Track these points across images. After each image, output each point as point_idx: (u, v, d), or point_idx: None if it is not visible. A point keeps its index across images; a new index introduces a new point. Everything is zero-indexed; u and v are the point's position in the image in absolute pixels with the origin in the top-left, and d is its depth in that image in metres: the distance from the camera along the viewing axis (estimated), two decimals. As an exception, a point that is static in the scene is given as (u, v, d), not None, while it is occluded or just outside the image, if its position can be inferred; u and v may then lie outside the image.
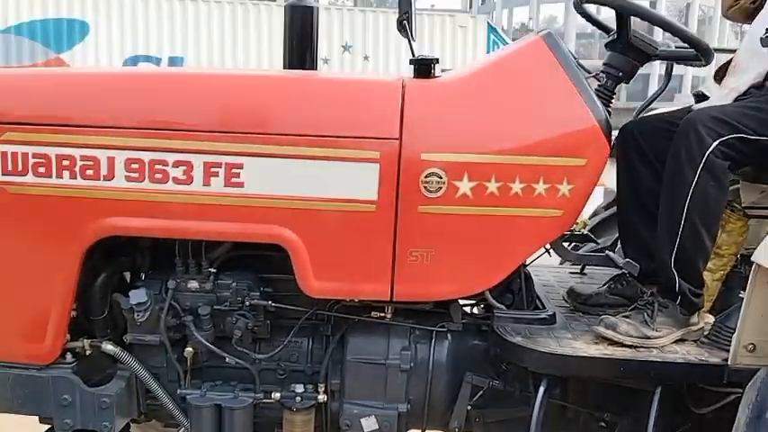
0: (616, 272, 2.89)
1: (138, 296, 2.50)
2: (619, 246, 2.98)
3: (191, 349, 2.60)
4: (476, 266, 2.44)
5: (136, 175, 2.37)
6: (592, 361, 2.37)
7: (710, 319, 2.61)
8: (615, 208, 3.15)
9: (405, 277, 2.41)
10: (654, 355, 2.40)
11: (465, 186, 2.36)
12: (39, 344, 2.53)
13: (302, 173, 2.37)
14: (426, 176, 2.35)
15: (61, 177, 2.38)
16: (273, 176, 2.37)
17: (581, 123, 2.42)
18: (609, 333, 2.44)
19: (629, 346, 2.43)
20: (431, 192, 2.36)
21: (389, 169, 2.35)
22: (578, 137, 2.42)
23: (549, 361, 2.40)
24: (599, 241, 3.25)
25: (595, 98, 2.46)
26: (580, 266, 3.29)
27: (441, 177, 2.35)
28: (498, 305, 2.60)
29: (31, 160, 2.38)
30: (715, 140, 2.34)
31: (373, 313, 2.63)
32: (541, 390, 2.47)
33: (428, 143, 2.37)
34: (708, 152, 2.33)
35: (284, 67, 3.04)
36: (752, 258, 2.23)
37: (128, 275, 2.84)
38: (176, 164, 2.37)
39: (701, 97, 2.93)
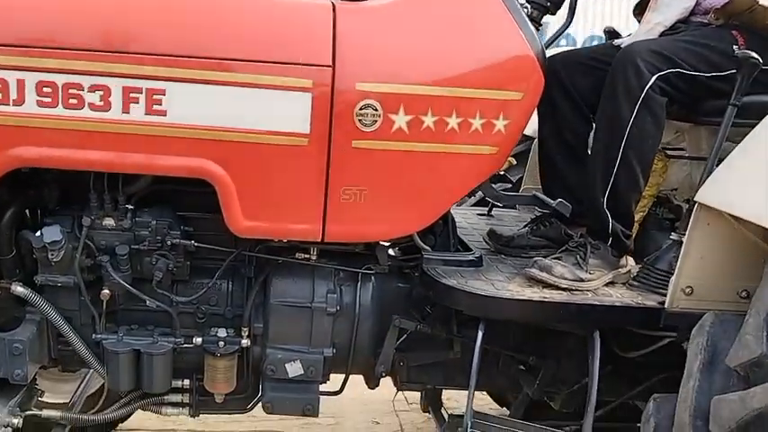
0: (520, 212, 2.84)
1: (51, 234, 2.27)
2: None
3: (107, 291, 2.39)
4: (410, 206, 2.33)
5: (48, 99, 2.13)
6: (529, 304, 2.31)
7: (632, 261, 2.59)
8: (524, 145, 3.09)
9: (337, 217, 2.28)
10: (591, 299, 2.36)
11: (401, 120, 2.23)
12: None
13: (230, 102, 2.19)
14: (361, 109, 2.21)
15: None
16: (198, 105, 2.18)
17: (518, 54, 2.31)
18: (543, 275, 2.38)
19: (564, 289, 2.37)
20: (366, 125, 2.22)
21: (322, 100, 2.20)
22: (515, 69, 2.33)
23: (485, 304, 2.32)
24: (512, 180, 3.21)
25: (532, 28, 2.35)
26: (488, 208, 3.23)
27: (376, 110, 2.21)
28: (425, 246, 2.50)
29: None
30: (654, 75, 2.30)
31: (298, 255, 2.49)
32: (480, 334, 2.38)
33: (363, 72, 2.23)
34: (647, 87, 2.29)
35: None
36: (695, 198, 2.19)
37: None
38: (93, 88, 2.14)
39: (612, 34, 2.87)
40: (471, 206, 3.20)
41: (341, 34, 2.22)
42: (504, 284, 2.39)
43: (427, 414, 3.12)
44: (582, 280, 2.39)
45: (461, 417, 2.45)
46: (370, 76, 2.22)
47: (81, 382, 3.13)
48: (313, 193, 2.26)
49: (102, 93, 2.14)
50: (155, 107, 2.16)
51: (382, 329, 2.56)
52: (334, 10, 2.25)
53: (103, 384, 2.74)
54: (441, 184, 2.32)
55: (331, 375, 2.66)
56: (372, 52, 2.26)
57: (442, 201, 2.36)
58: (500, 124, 2.28)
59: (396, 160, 2.27)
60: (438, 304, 2.50)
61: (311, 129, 2.21)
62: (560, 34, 3.02)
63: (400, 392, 2.98)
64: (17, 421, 2.41)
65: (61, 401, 3.29)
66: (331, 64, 2.19)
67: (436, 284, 2.39)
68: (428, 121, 2.25)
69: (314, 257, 2.48)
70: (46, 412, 2.61)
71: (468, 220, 3.09)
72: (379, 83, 2.22)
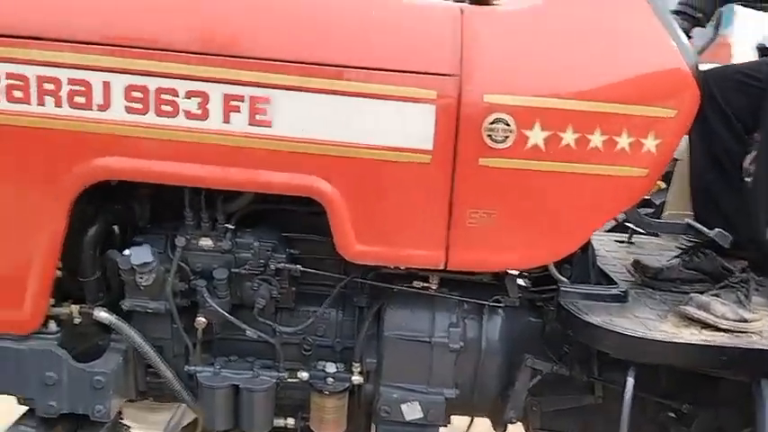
0: (664, 240, 2.51)
1: (140, 255, 2.03)
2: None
3: (203, 319, 2.14)
4: (546, 232, 2.00)
5: (138, 105, 1.88)
6: (688, 348, 1.98)
7: None
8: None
9: (462, 242, 1.98)
10: (757, 342, 2.01)
11: (537, 136, 1.91)
12: (16, 310, 2.04)
13: (343, 113, 1.90)
14: (491, 123, 1.90)
15: (43, 105, 1.87)
16: (308, 115, 1.90)
17: (671, 67, 1.97)
18: (701, 314, 2.04)
19: (726, 330, 2.03)
20: (496, 141, 1.91)
21: (447, 113, 1.90)
22: (668, 83, 1.98)
23: (636, 346, 2.00)
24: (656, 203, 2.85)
25: (685, 39, 2.02)
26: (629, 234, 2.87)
27: (508, 125, 1.90)
28: (562, 278, 2.17)
29: (5, 81, 1.86)
30: None
31: (416, 283, 2.19)
32: (630, 380, 2.05)
33: (493, 83, 1.91)
34: None
35: None
36: None
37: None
38: (189, 94, 1.87)
39: (765, 50, 2.60)
40: (607, 231, 2.85)
41: (469, 41, 1.92)
42: (656, 324, 2.06)
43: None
44: (746, 320, 2.05)
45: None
46: (502, 87, 1.91)
47: (173, 414, 2.92)
48: (435, 215, 1.96)
49: (199, 100, 1.88)
50: (258, 117, 1.89)
51: (511, 369, 2.25)
52: (462, 14, 1.95)
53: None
54: (582, 208, 1.99)
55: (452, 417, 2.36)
56: (504, 61, 1.94)
57: (584, 227, 2.03)
58: (650, 143, 1.95)
59: (530, 180, 1.94)
60: (577, 343, 2.18)
61: (434, 144, 1.91)
62: (706, 47, 2.72)
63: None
64: None
65: None
66: (458, 73, 1.90)
67: (577, 321, 2.06)
68: (568, 138, 1.92)
69: (434, 286, 2.18)
70: (132, 454, 2.39)
71: (607, 248, 2.74)
72: (512, 95, 1.91)
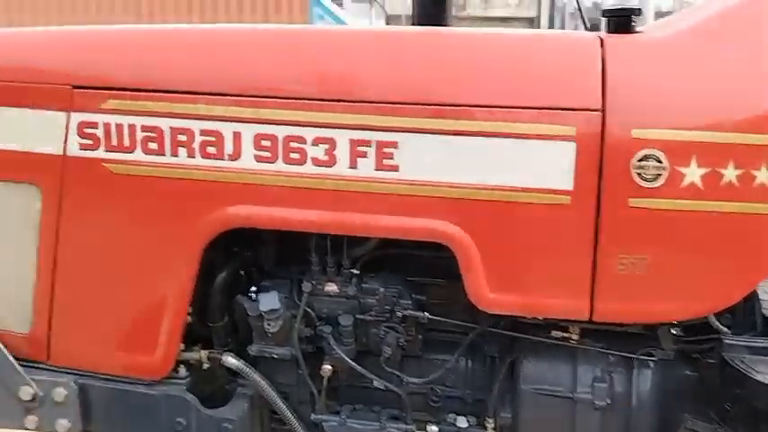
0: None
1: (269, 302, 1.99)
2: None
3: (329, 367, 2.07)
4: (708, 280, 1.78)
5: (267, 154, 1.85)
6: None
7: None
8: None
9: (609, 291, 1.80)
10: None
11: (693, 174, 1.71)
12: (149, 355, 2.06)
13: (473, 154, 1.79)
14: (640, 160, 1.72)
15: (177, 155, 1.89)
16: (436, 158, 1.80)
17: None
18: None
19: None
20: (647, 180, 1.72)
21: (590, 150, 1.74)
22: None
23: None
24: None
25: None
26: None
27: (660, 162, 1.71)
28: (724, 329, 1.93)
29: (140, 134, 1.90)
30: None
31: (554, 333, 2.02)
32: None
33: (641, 116, 1.74)
34: None
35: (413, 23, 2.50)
36: None
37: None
38: (317, 141, 1.83)
39: None
40: None
41: (612, 72, 1.76)
42: None
43: None
44: None
45: None
46: (651, 121, 1.73)
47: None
48: (578, 261, 1.79)
49: (326, 146, 1.83)
50: (386, 162, 1.81)
51: (663, 427, 2.02)
52: (602, 45, 1.79)
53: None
54: (748, 252, 1.75)
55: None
56: (652, 93, 1.76)
57: (750, 274, 1.78)
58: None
59: (688, 222, 1.74)
60: (742, 401, 1.93)
61: (575, 185, 1.75)
62: None
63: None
64: None
65: None
66: (600, 108, 1.73)
67: (746, 380, 1.81)
68: (729, 174, 1.71)
69: (575, 337, 2.00)
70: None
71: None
72: (663, 129, 1.72)
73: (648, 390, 2.02)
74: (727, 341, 1.90)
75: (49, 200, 1.99)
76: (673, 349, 2.00)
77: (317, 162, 1.84)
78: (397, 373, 2.10)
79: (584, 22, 2.45)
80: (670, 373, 2.04)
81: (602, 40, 1.80)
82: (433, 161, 1.80)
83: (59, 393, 2.08)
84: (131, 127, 1.89)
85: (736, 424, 1.98)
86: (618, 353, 2.02)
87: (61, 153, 1.95)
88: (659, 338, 2.00)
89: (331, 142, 1.82)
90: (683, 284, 1.79)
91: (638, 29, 1.90)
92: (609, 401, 1.99)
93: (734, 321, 1.98)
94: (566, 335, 2.01)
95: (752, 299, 1.96)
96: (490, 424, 2.08)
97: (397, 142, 1.80)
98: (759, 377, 1.81)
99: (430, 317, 2.02)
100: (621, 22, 1.86)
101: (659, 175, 1.72)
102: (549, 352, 2.05)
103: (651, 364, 2.03)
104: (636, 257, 1.77)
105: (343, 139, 1.82)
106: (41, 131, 1.95)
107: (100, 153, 1.92)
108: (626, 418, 2.01)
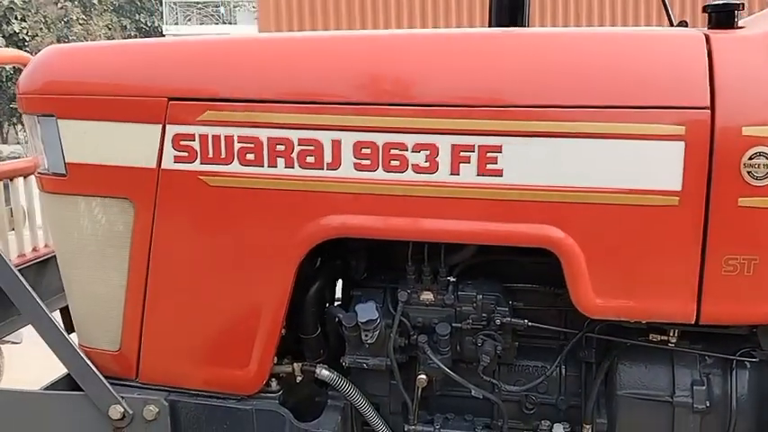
0: None
1: (366, 312, 1.95)
2: None
3: (424, 377, 2.02)
4: (817, 281, 1.75)
5: (367, 162, 1.81)
6: None
7: None
8: None
9: (716, 293, 1.76)
10: None
11: (805, 170, 1.68)
12: (242, 369, 2.02)
13: (578, 157, 1.74)
14: (750, 158, 1.68)
15: (275, 166, 1.85)
16: (541, 162, 1.76)
17: None
18: None
19: None
20: (756, 178, 1.69)
21: (698, 149, 1.70)
22: None
23: None
24: None
25: None
26: None
27: None
28: None
29: (237, 145, 1.86)
30: None
31: (652, 336, 1.97)
32: None
33: (751, 113, 1.70)
34: None
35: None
36: None
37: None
38: (417, 147, 1.79)
39: None
40: None
41: (719, 69, 1.72)
42: None
43: None
44: None
45: None
46: (761, 118, 1.69)
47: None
48: (685, 263, 1.75)
49: (428, 152, 1.79)
50: (489, 166, 1.77)
51: (762, 430, 1.98)
52: (708, 42, 1.75)
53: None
54: None
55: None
56: (761, 89, 1.72)
57: None
58: None
59: (798, 220, 1.71)
60: None
61: (683, 185, 1.71)
62: None
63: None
64: None
65: None
66: (709, 105, 1.70)
67: None
68: (839, 170, 1.67)
69: (674, 340, 1.95)
70: None
71: None
72: None
73: (747, 391, 1.97)
74: None
75: (142, 214, 1.95)
76: None
77: (417, 169, 1.80)
78: (494, 381, 2.05)
79: (669, 18, 2.41)
80: (766, 374, 1.99)
81: (707, 37, 1.76)
82: (538, 165, 1.76)
83: (150, 411, 2.04)
84: (228, 138, 1.85)
85: None
86: (718, 354, 1.97)
87: (156, 166, 1.91)
88: (759, 339, 1.95)
89: (432, 148, 1.78)
90: None
91: (739, 23, 1.87)
92: (708, 404, 1.94)
93: None
94: (664, 338, 1.96)
95: None
96: (587, 430, 2.03)
97: (500, 146, 1.76)
98: None
99: (530, 324, 1.98)
100: (724, 17, 1.82)
101: None
102: (645, 356, 2.01)
103: (749, 366, 1.98)
104: (745, 258, 1.73)
105: (444, 144, 1.78)
106: (136, 145, 1.91)
107: (196, 165, 1.88)
108: (725, 420, 1.96)
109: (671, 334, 1.96)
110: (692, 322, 1.79)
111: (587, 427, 2.03)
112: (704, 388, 1.95)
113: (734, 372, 1.98)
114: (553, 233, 1.78)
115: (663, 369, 1.99)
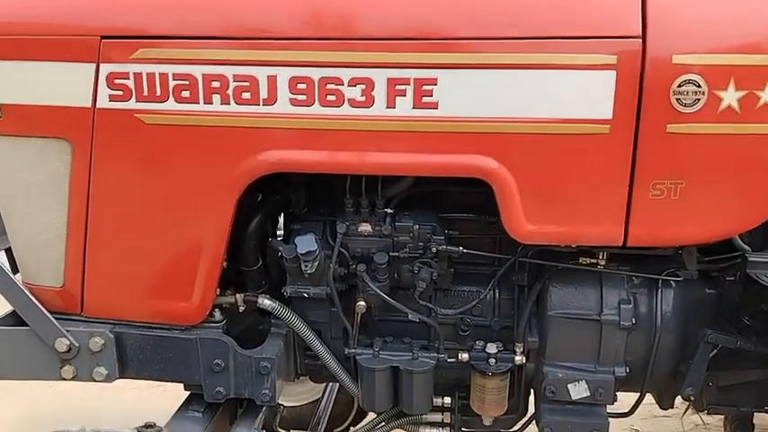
0: None
1: (306, 244, 1.94)
2: None
3: (363, 303, 2.05)
4: (738, 201, 1.79)
5: (303, 97, 1.76)
6: None
7: None
8: None
9: (643, 217, 1.79)
10: None
11: (730, 97, 1.69)
12: (185, 301, 2.01)
13: (512, 87, 1.73)
14: (680, 86, 1.68)
15: (211, 103, 1.79)
16: (475, 93, 1.73)
17: None
18: None
19: None
20: (685, 105, 1.70)
21: (629, 78, 1.70)
22: None
23: None
24: None
25: None
26: None
27: (699, 86, 1.68)
28: (747, 247, 1.95)
29: (172, 82, 1.79)
30: None
31: (582, 259, 2.02)
32: None
33: (681, 42, 1.70)
34: None
35: None
36: None
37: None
38: (353, 81, 1.75)
39: None
40: None
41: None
42: None
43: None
44: None
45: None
46: (691, 46, 1.69)
47: (323, 393, 2.90)
48: (614, 189, 1.78)
49: (363, 86, 1.75)
50: (424, 99, 1.74)
51: (685, 344, 2.06)
52: None
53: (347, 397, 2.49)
54: (778, 173, 1.77)
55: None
56: (693, 18, 1.71)
57: (779, 194, 1.81)
58: None
59: (723, 146, 1.73)
60: (759, 315, 1.98)
61: (614, 113, 1.71)
62: None
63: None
64: None
65: (295, 404, 3.09)
66: (641, 35, 1.68)
67: None
68: (765, 97, 1.68)
69: (603, 262, 2.00)
70: (292, 434, 2.35)
71: None
72: (703, 53, 1.68)
73: (671, 309, 2.06)
74: (751, 258, 1.91)
75: (79, 154, 1.89)
76: (696, 269, 2.02)
77: (354, 103, 1.76)
78: (430, 305, 2.09)
79: None
80: (691, 293, 2.08)
81: None
82: (473, 96, 1.73)
83: (95, 343, 2.03)
84: (162, 76, 1.78)
85: (753, 335, 2.04)
86: (644, 275, 2.03)
87: (91, 106, 1.82)
88: (684, 259, 2.02)
89: (368, 82, 1.74)
90: (715, 207, 1.79)
91: None
92: (634, 321, 2.01)
93: (751, 239, 1.98)
94: (593, 261, 2.01)
95: None
96: (519, 348, 2.09)
97: (435, 79, 1.72)
98: None
99: (465, 250, 2.00)
100: None
101: (697, 99, 1.69)
102: (575, 278, 2.06)
103: (673, 285, 2.06)
104: (671, 182, 1.76)
105: (380, 78, 1.73)
106: (70, 85, 1.82)
107: (131, 104, 1.81)
108: (650, 335, 2.05)
109: (600, 257, 2.00)
110: (620, 245, 1.83)
111: (519, 345, 2.09)
112: (631, 306, 2.01)
113: (659, 291, 2.05)
114: (486, 163, 1.78)
115: (592, 290, 2.05)
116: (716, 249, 2.04)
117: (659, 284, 2.05)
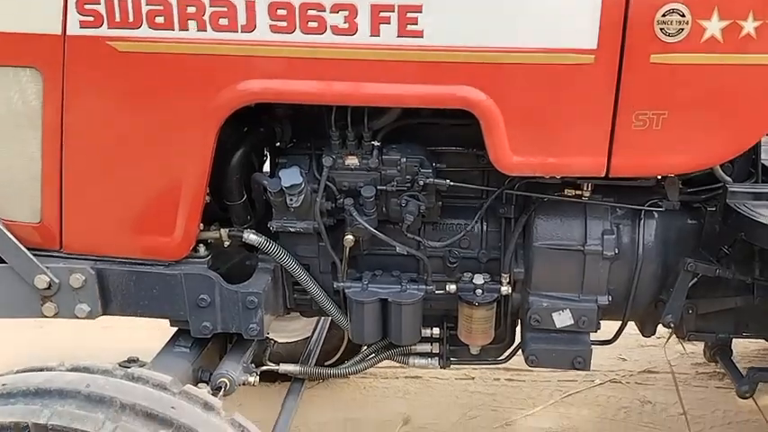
0: None
1: (290, 177, 1.90)
2: None
3: (351, 237, 2.02)
4: (720, 131, 1.78)
5: (284, 24, 1.69)
6: None
7: None
8: None
9: (626, 147, 1.78)
10: None
11: (714, 27, 1.66)
12: (168, 236, 1.96)
13: (498, 16, 1.68)
14: (664, 15, 1.65)
15: (186, 29, 1.72)
16: (461, 22, 1.68)
17: None
18: None
19: None
20: (669, 35, 1.66)
21: (615, 7, 1.66)
22: None
23: None
24: None
25: None
26: None
27: (683, 15, 1.65)
28: (728, 178, 1.95)
29: (145, 7, 1.71)
30: None
31: (567, 191, 2.01)
32: None
33: None
34: None
35: None
36: None
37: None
38: (335, 8, 1.68)
39: None
40: None
41: None
42: None
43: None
44: None
45: (764, 370, 2.03)
46: (677, -27, 1.64)
47: (315, 327, 2.90)
48: (598, 119, 1.76)
49: (346, 13, 1.68)
50: (409, 27, 1.68)
51: (666, 273, 2.08)
52: None
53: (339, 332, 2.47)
54: (761, 102, 1.74)
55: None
56: None
57: (761, 123, 1.78)
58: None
59: (705, 76, 1.71)
60: (739, 244, 2.00)
61: (599, 43, 1.67)
62: None
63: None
64: (253, 379, 2.14)
65: (287, 341, 3.08)
66: None
67: (750, 223, 1.84)
68: (748, 27, 1.67)
69: (587, 194, 1.99)
70: (283, 367, 2.33)
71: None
72: None
73: (653, 239, 2.07)
74: (731, 189, 1.92)
75: (51, 83, 1.80)
76: (678, 200, 2.02)
77: (336, 30, 1.69)
78: (418, 238, 2.08)
79: None
80: (673, 223, 2.09)
81: None
82: (458, 25, 1.68)
83: (76, 279, 1.98)
84: (135, 0, 1.69)
85: (732, 263, 2.07)
86: (627, 205, 2.04)
87: (61, 33, 1.73)
88: (666, 190, 2.02)
89: (351, 8, 1.67)
90: (698, 137, 1.78)
91: None
92: (617, 251, 2.03)
93: (734, 170, 1.99)
94: (578, 192, 2.00)
95: (757, 148, 1.97)
96: (505, 279, 2.10)
97: (420, 6, 1.66)
98: (762, 219, 1.85)
99: (452, 183, 1.98)
100: None
101: (681, 29, 1.66)
102: (560, 210, 2.06)
103: (656, 215, 2.07)
104: (654, 113, 1.74)
105: (364, 4, 1.66)
106: (38, 10, 1.73)
107: (103, 30, 1.72)
108: (633, 265, 2.06)
109: (584, 188, 2.00)
110: (603, 175, 1.82)
111: (505, 276, 2.09)
112: (614, 236, 2.02)
113: (642, 221, 2.06)
114: (472, 94, 1.74)
115: (576, 221, 2.05)
116: (698, 180, 2.04)
117: (642, 215, 2.05)
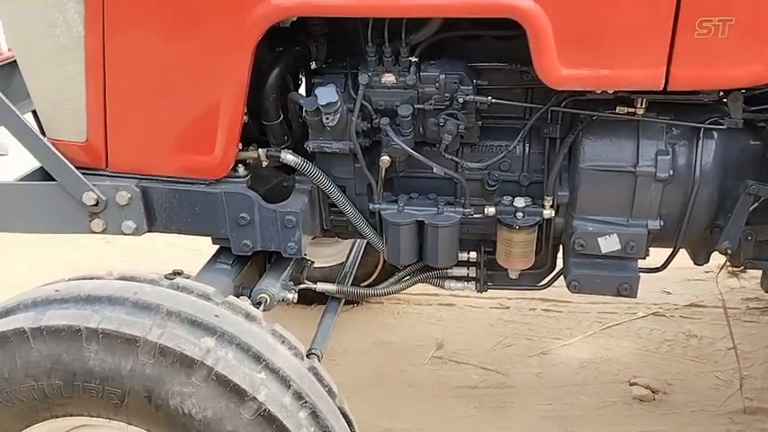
0: None
1: (326, 95, 1.80)
2: None
3: (387, 158, 1.93)
4: (791, 40, 1.58)
5: None
6: None
7: None
8: None
9: (688, 58, 1.60)
10: None
11: None
12: (208, 155, 1.92)
13: None
14: None
15: None
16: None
17: None
18: None
19: None
20: None
21: None
22: None
23: None
24: None
25: None
26: None
27: None
28: None
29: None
30: None
31: (619, 108, 1.85)
32: None
33: None
34: None
35: None
36: None
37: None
38: None
39: None
40: None
41: None
42: None
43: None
44: None
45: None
46: None
47: (351, 251, 2.85)
48: (656, 27, 1.58)
49: None
50: (452, -72, 1.54)
51: (723, 197, 1.91)
52: None
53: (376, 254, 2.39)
54: (842, 7, 1.54)
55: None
56: None
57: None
58: None
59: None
60: None
61: None
62: None
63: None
64: (292, 296, 2.11)
65: (322, 266, 3.04)
66: None
67: None
68: None
69: (641, 111, 1.83)
70: (320, 285, 2.30)
71: None
72: None
73: (711, 160, 1.89)
74: None
75: (92, 10, 1.76)
76: (741, 118, 1.83)
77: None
78: (456, 159, 1.96)
79: None
80: (733, 143, 1.90)
81: None
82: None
83: (122, 197, 1.97)
84: None
85: None
86: (685, 123, 1.86)
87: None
88: (728, 107, 1.83)
89: None
90: (765, 47, 1.59)
91: None
92: (671, 173, 1.86)
93: None
94: (631, 109, 1.84)
95: None
96: (548, 202, 1.97)
97: None
98: None
99: (494, 101, 1.85)
100: None
101: None
102: (611, 129, 1.90)
103: (715, 135, 1.89)
104: (720, 20, 1.55)
105: None
106: None
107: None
108: (688, 187, 1.90)
109: (638, 105, 1.82)
110: (661, 88, 1.64)
111: (548, 199, 1.97)
112: (668, 157, 1.86)
113: (700, 141, 1.88)
114: (520, 2, 1.60)
115: (628, 141, 1.89)
116: (762, 97, 1.83)
117: (700, 134, 1.87)
